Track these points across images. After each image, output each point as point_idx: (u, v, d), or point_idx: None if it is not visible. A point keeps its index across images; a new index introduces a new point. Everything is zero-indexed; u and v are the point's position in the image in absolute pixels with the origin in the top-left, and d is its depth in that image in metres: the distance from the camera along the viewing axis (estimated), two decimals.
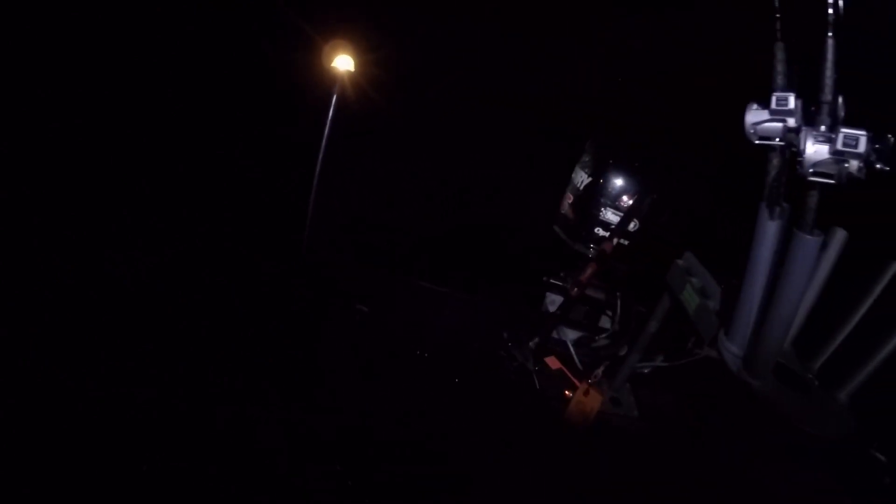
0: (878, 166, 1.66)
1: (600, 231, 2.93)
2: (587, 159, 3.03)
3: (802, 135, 1.73)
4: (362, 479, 2.38)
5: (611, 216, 2.90)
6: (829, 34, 1.68)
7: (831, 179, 1.71)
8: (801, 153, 1.73)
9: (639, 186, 2.86)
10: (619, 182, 2.88)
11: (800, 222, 1.84)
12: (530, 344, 2.98)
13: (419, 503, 2.25)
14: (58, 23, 2.65)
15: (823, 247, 2.16)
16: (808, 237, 1.83)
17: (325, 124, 2.78)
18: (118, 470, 2.43)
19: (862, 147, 1.65)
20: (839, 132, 1.66)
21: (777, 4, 1.80)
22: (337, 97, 2.77)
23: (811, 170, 1.72)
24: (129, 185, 2.96)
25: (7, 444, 2.39)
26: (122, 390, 2.71)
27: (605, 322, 3.19)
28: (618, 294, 3.12)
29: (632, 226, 2.88)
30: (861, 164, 1.64)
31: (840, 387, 2.24)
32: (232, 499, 2.35)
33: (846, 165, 1.67)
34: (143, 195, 2.99)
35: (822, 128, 1.71)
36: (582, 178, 2.98)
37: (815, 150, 1.72)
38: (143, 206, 2.99)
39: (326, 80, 2.76)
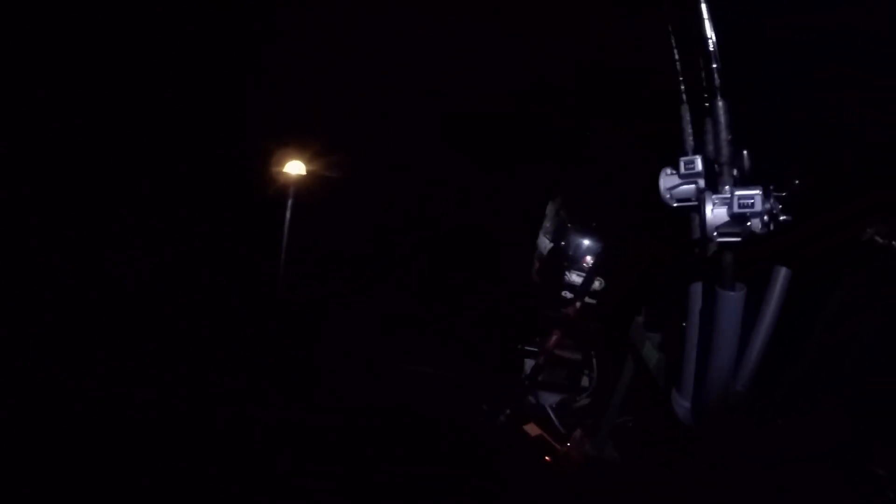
0: (781, 219, 1.70)
1: (567, 294, 2.96)
2: (548, 224, 3.07)
3: (704, 199, 1.78)
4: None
5: (575, 278, 2.92)
6: (717, 98, 1.72)
7: (736, 238, 1.74)
8: (702, 218, 1.77)
9: (599, 245, 2.90)
10: (579, 243, 2.93)
11: (720, 280, 1.88)
12: (502, 415, 2.94)
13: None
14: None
15: (767, 285, 2.20)
16: (730, 293, 1.88)
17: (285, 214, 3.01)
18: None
19: (758, 206, 1.67)
20: (734, 194, 1.69)
21: (679, 68, 1.84)
22: (291, 196, 3.03)
23: (715, 233, 1.77)
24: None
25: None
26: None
27: (585, 381, 3.19)
28: (592, 353, 3.12)
29: (596, 284, 2.90)
30: (762, 221, 1.66)
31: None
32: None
33: (748, 224, 1.70)
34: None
35: (726, 188, 1.74)
36: (545, 244, 3.04)
37: (714, 213, 1.77)
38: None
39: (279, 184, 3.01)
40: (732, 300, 1.91)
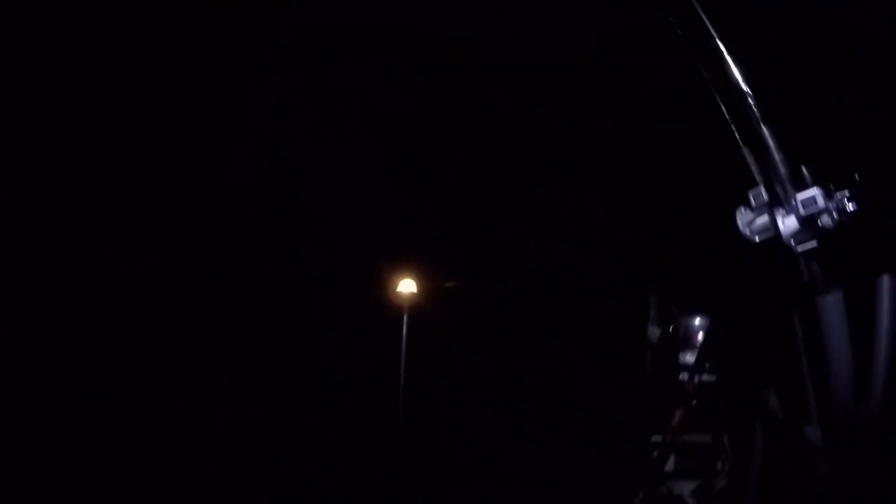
0: (850, 209, 1.73)
1: (685, 375, 2.97)
2: (653, 314, 3.09)
3: (774, 215, 1.82)
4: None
5: (689, 358, 2.93)
6: (761, 125, 1.78)
7: (813, 242, 1.78)
8: (778, 235, 1.81)
9: (707, 321, 2.92)
10: (688, 323, 2.95)
11: (816, 289, 1.90)
12: None
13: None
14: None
15: (873, 296, 2.20)
16: (828, 297, 1.88)
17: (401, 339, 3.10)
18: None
19: (821, 202, 1.70)
20: (796, 200, 1.72)
21: (725, 111, 1.88)
22: (407, 314, 3.14)
23: (793, 243, 1.79)
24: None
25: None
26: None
27: (719, 465, 3.19)
28: (721, 431, 3.12)
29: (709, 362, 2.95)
30: (832, 217, 1.69)
31: None
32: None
33: (819, 224, 1.72)
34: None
35: (790, 199, 1.79)
36: (654, 333, 3.05)
37: (786, 224, 1.80)
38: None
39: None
40: (832, 303, 1.89)
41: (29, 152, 2.66)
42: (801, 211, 1.83)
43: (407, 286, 3.07)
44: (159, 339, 2.92)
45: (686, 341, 3.02)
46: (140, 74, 2.88)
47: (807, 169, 1.81)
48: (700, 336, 2.95)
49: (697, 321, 3.00)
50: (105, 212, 2.88)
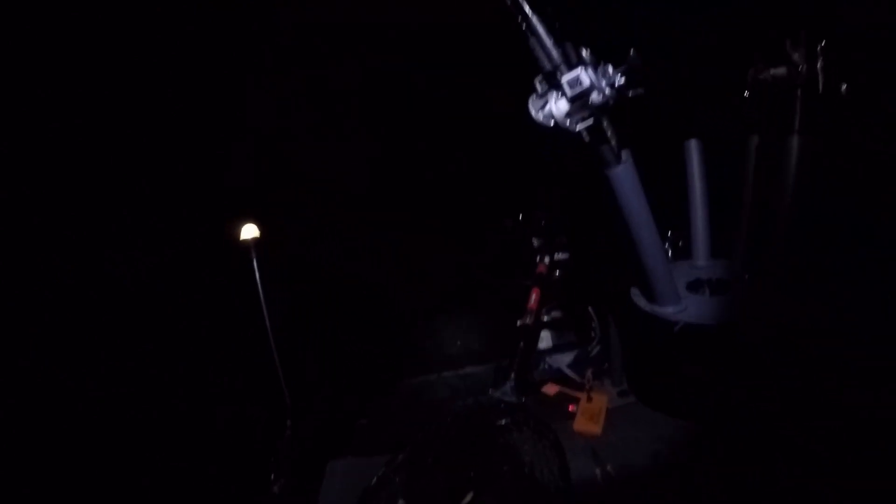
0: (619, 84, 1.82)
1: (538, 258, 3.18)
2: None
3: (547, 100, 1.90)
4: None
5: (539, 242, 3.19)
6: (529, 15, 1.84)
7: (589, 119, 1.85)
8: (554, 119, 1.88)
9: (546, 212, 3.20)
10: (535, 211, 3.25)
11: (603, 164, 2.01)
12: (507, 386, 2.93)
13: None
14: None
15: (688, 156, 2.38)
16: (616, 169, 2.00)
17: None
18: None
19: (585, 81, 1.75)
20: (562, 82, 1.81)
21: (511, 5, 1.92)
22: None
23: (568, 124, 1.87)
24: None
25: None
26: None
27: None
28: (584, 304, 3.25)
29: (558, 240, 3.17)
30: (602, 93, 1.78)
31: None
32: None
33: (590, 102, 1.77)
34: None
35: (560, 85, 1.81)
36: (507, 224, 3.32)
37: (557, 106, 1.87)
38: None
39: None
40: (620, 174, 2.01)
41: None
42: (568, 91, 1.93)
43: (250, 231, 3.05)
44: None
45: (535, 227, 3.16)
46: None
47: (586, 51, 1.90)
48: (544, 222, 3.12)
49: (540, 210, 3.14)
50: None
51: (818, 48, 1.94)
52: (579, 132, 1.88)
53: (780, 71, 1.99)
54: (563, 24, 1.80)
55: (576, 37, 1.80)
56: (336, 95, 3.17)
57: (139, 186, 2.96)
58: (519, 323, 3.00)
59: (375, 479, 2.34)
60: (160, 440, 2.60)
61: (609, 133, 1.99)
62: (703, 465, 2.13)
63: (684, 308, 2.37)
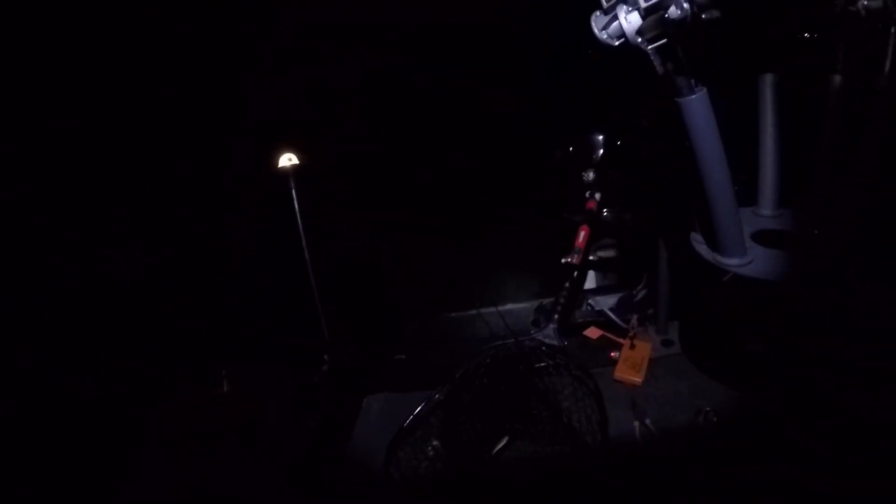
0: (703, 4, 1.58)
1: (588, 194, 2.94)
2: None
3: (616, 14, 1.70)
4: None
5: (592, 175, 2.91)
6: None
7: (664, 39, 1.64)
8: (623, 33, 1.68)
9: (603, 138, 2.88)
10: (587, 142, 2.91)
11: (675, 91, 1.79)
12: (550, 328, 2.81)
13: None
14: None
15: (756, 94, 2.13)
16: (690, 98, 1.78)
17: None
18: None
19: None
20: None
21: None
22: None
23: (640, 40, 1.68)
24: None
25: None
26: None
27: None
28: (633, 243, 3.08)
29: (611, 174, 2.89)
30: (678, 5, 1.55)
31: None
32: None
33: (667, 16, 1.58)
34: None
35: None
36: (556, 153, 3.02)
37: (629, 20, 1.69)
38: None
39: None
40: (693, 104, 1.80)
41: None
42: (642, 2, 1.73)
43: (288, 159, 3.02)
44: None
45: (587, 160, 2.90)
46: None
47: None
48: (599, 153, 2.87)
49: (594, 138, 2.90)
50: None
51: None
52: (651, 52, 1.69)
53: (876, 2, 1.69)
54: None
55: None
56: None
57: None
58: (564, 261, 2.83)
59: (411, 417, 2.34)
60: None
61: (683, 57, 1.76)
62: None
63: (750, 261, 2.14)
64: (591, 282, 3.24)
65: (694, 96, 1.83)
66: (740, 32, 1.93)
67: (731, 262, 2.15)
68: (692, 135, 1.89)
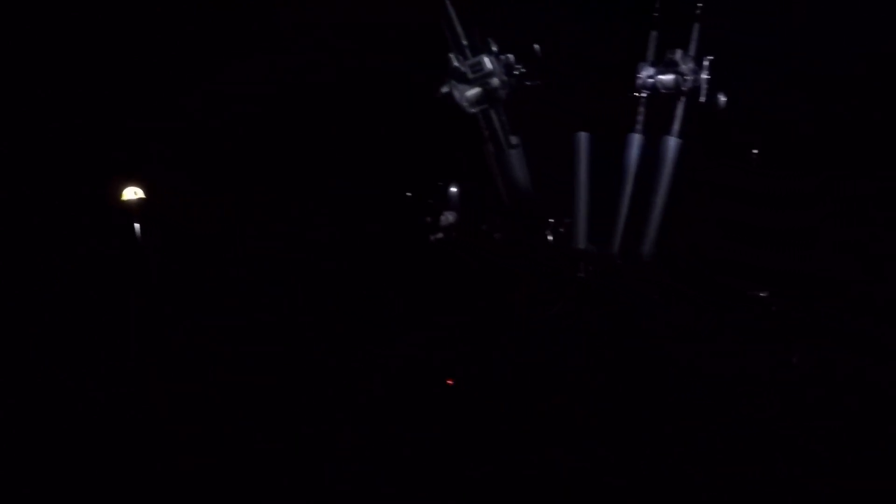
0: (518, 73, 2.09)
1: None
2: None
3: (453, 87, 2.13)
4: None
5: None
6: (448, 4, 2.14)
7: (484, 104, 2.11)
8: (459, 104, 2.15)
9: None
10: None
11: (499, 146, 2.30)
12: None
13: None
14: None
15: (576, 148, 2.52)
16: (511, 152, 2.29)
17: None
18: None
19: (487, 65, 2.04)
20: (466, 67, 2.09)
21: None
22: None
23: (467, 106, 2.11)
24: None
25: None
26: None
27: None
28: None
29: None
30: (500, 79, 2.05)
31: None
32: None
33: (491, 85, 2.04)
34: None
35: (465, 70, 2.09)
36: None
37: (458, 89, 2.08)
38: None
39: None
40: (510, 158, 2.28)
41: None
42: (471, 75, 2.03)
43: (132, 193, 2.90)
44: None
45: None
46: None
47: (493, 42, 2.09)
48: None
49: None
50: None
51: (704, 62, 2.25)
52: (474, 114, 2.13)
53: (668, 78, 2.27)
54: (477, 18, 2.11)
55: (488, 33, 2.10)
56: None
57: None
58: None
59: None
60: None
61: (502, 119, 2.23)
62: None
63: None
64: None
65: (513, 150, 2.32)
66: (558, 96, 2.43)
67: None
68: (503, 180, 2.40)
